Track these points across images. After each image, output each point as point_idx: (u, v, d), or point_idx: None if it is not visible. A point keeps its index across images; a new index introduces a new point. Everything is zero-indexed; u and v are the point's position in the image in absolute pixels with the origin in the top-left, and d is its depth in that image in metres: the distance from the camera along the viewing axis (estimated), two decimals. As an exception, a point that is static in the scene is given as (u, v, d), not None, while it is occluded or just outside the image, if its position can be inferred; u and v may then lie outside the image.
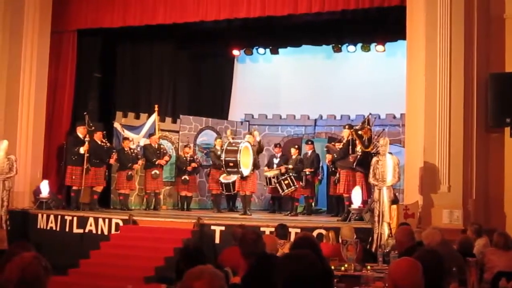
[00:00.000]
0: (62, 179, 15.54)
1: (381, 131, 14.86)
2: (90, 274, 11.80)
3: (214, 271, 3.26)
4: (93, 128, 15.44)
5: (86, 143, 14.92)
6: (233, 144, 15.25)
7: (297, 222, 12.85)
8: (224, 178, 15.76)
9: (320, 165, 16.07)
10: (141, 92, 18.39)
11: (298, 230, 11.35)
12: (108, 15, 15.68)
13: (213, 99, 20.36)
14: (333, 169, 14.65)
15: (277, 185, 15.47)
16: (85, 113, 15.55)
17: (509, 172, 11.81)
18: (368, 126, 13.55)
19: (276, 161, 16.26)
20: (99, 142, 15.35)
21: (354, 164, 13.44)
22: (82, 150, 14.90)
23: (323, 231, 10.97)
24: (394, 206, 11.51)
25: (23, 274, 3.54)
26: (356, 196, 13.07)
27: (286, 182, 15.24)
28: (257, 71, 20.40)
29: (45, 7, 15.73)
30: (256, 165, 15.55)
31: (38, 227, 14.23)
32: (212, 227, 12.57)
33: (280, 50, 19.18)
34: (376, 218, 11.45)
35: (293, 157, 15.75)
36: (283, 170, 15.61)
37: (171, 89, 19.08)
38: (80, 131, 15.20)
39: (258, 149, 15.66)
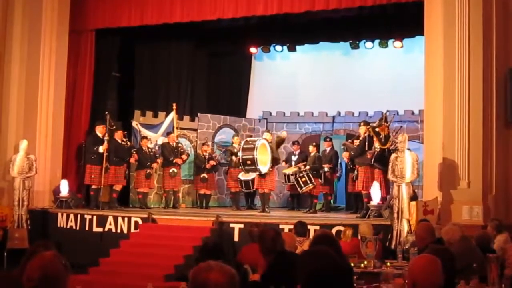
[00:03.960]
0: (82, 178, 15.62)
1: (399, 128, 14.79)
2: (110, 272, 11.87)
3: (218, 262, 3.25)
4: (114, 127, 15.48)
5: (105, 142, 14.97)
6: (250, 142, 15.23)
7: (316, 219, 12.82)
8: (243, 176, 15.75)
9: (339, 162, 16.04)
10: (159, 90, 18.46)
11: (317, 227, 11.34)
12: (125, 14, 15.74)
13: (230, 97, 20.39)
14: (351, 166, 14.62)
15: (295, 182, 15.45)
16: (106, 112, 15.58)
17: (529, 168, 11.73)
18: (386, 123, 13.47)
19: (294, 158, 16.24)
20: (120, 141, 15.41)
21: (372, 161, 13.39)
22: (101, 149, 14.97)
23: (342, 228, 10.96)
24: (413, 203, 11.46)
25: (44, 272, 3.57)
26: (375, 193, 13.03)
27: (303, 179, 15.19)
28: (275, 69, 20.40)
29: (63, 7, 15.81)
30: (276, 161, 15.51)
31: (58, 226, 14.33)
32: (231, 225, 12.59)
33: (298, 47, 19.17)
34: (395, 215, 11.43)
35: (311, 154, 15.72)
36: (301, 168, 15.58)
37: (189, 88, 19.11)
38: (99, 130, 15.25)
39: (279, 141, 15.66)
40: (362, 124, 14.39)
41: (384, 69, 18.60)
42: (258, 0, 14.53)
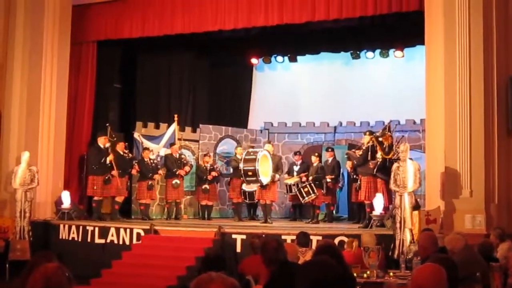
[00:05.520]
0: (84, 190, 15.63)
1: (401, 138, 14.79)
2: (112, 283, 11.83)
3: (220, 274, 3.25)
4: (115, 138, 15.51)
5: (110, 153, 15.03)
6: (251, 153, 15.23)
7: (319, 230, 12.80)
8: (247, 187, 15.74)
9: (341, 172, 16.02)
10: (160, 101, 18.48)
11: (320, 238, 11.33)
12: (127, 25, 15.79)
13: (232, 108, 20.41)
14: (354, 176, 14.61)
15: (297, 193, 15.44)
16: (107, 124, 15.64)
17: (531, 176, 11.71)
18: (389, 133, 13.50)
19: (296, 168, 16.23)
20: (121, 153, 15.44)
21: (375, 171, 13.39)
22: (108, 160, 15.02)
23: (345, 239, 10.94)
24: (416, 212, 11.44)
25: (47, 284, 3.55)
26: (378, 203, 13.01)
27: (306, 189, 15.19)
28: (276, 79, 20.40)
29: (64, 18, 15.85)
30: (278, 170, 15.55)
31: (60, 237, 14.31)
32: (233, 236, 12.57)
33: (299, 57, 19.20)
34: (398, 225, 11.40)
35: (314, 164, 15.70)
36: (303, 178, 15.57)
37: (190, 99, 19.14)
38: (101, 141, 15.28)
39: (277, 163, 15.67)
40: (366, 133, 14.38)
41: (385, 79, 18.60)
42: (259, 11, 14.55)
